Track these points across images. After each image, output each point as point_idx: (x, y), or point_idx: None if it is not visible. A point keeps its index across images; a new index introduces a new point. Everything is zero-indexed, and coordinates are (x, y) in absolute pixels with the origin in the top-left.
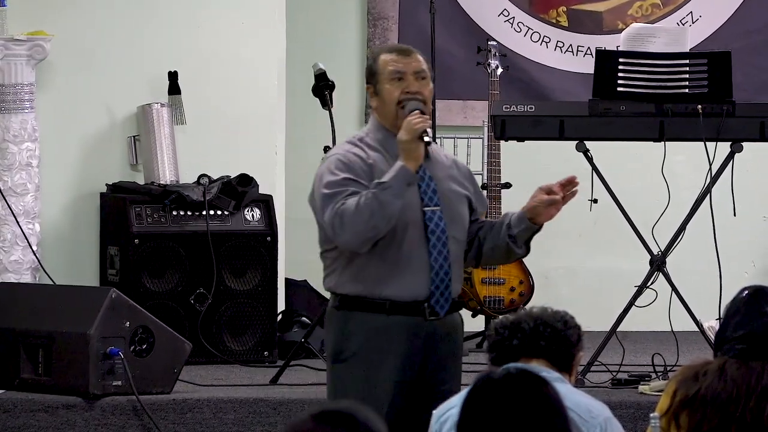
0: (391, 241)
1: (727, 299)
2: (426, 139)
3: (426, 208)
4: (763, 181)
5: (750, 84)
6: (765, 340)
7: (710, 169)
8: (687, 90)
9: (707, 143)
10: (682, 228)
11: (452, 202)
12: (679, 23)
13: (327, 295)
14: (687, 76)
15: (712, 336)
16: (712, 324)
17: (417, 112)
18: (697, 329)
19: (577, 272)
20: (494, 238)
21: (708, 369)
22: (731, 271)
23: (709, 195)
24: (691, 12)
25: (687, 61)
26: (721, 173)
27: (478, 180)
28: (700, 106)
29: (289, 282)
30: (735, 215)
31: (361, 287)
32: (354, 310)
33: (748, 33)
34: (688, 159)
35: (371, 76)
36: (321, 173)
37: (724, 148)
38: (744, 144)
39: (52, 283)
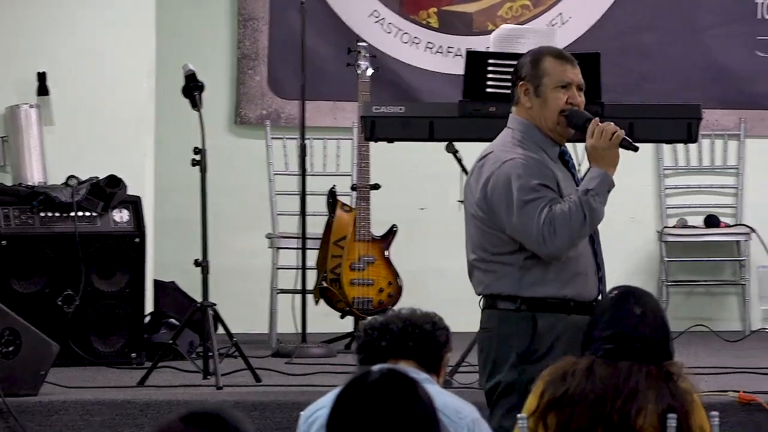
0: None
1: None
2: (630, 145)
3: None
4: (631, 182)
5: (619, 85)
6: (632, 341)
7: (579, 169)
8: None
9: (577, 144)
10: None
11: None
12: (549, 24)
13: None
14: None
15: None
16: None
17: (598, 119)
18: None
19: (445, 273)
20: None
21: (576, 369)
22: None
23: None
24: (560, 13)
25: None
26: None
27: (347, 181)
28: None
29: (157, 283)
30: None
31: (548, 289)
32: (542, 311)
33: (617, 35)
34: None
35: (532, 76)
36: (506, 177)
37: None
38: None
39: None
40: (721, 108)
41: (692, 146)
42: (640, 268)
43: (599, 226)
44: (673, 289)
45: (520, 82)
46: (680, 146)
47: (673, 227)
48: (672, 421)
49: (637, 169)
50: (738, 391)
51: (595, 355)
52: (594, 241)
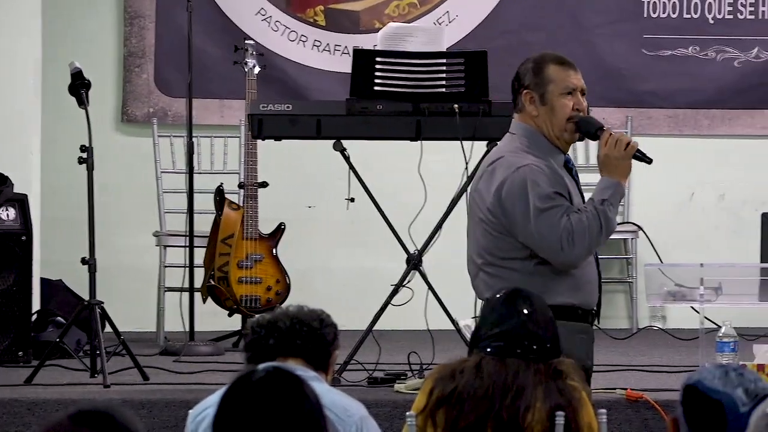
0: None
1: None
2: (644, 157)
3: None
4: None
5: (506, 84)
6: (521, 339)
7: (466, 168)
8: (444, 89)
9: (464, 142)
10: (438, 227)
11: None
12: (436, 23)
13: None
14: (444, 75)
15: (468, 335)
16: (467, 323)
17: (609, 129)
18: (453, 328)
19: (333, 271)
20: None
21: (465, 367)
22: None
23: (465, 194)
24: (447, 12)
25: (444, 61)
26: (477, 172)
27: (235, 179)
28: (456, 106)
29: (44, 282)
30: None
31: (558, 297)
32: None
33: (503, 33)
34: (444, 158)
35: (536, 83)
36: (522, 183)
37: (481, 147)
38: None
39: None
40: (608, 106)
41: (579, 144)
42: None
43: None
44: None
45: (524, 91)
46: None
47: None
48: (560, 418)
49: None
50: (625, 389)
51: (483, 353)
52: (597, 252)
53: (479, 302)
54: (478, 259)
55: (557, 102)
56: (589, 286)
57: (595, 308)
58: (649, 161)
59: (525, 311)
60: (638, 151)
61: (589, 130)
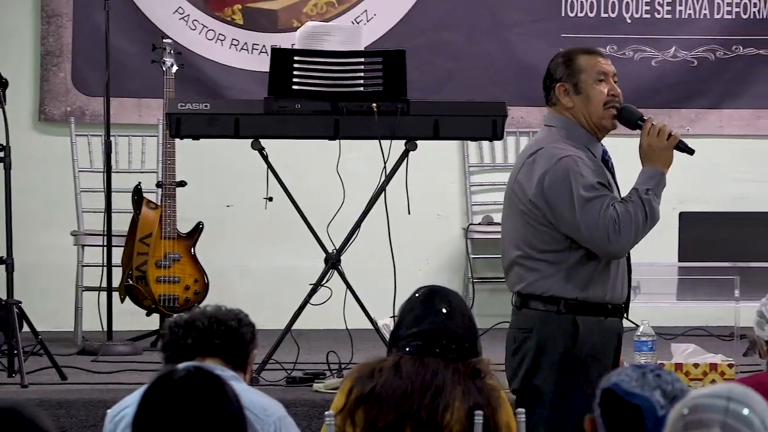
0: None
1: (401, 297)
2: (687, 148)
3: None
4: (437, 179)
5: (424, 82)
6: (440, 338)
7: (385, 167)
8: (362, 88)
9: (382, 141)
10: (356, 226)
11: None
12: (354, 21)
13: None
14: (362, 74)
15: (386, 334)
16: (386, 322)
17: (651, 118)
18: (371, 327)
19: (252, 270)
20: None
21: (383, 366)
22: (405, 269)
23: (383, 193)
24: (366, 10)
25: (362, 60)
26: (396, 171)
27: (153, 178)
28: (375, 105)
29: None
30: (409, 213)
31: (592, 292)
32: (583, 314)
33: (422, 32)
34: (363, 157)
35: (568, 75)
36: (565, 174)
37: (399, 146)
38: (418, 142)
39: None
40: (526, 105)
41: (497, 143)
42: (446, 265)
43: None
44: (479, 286)
45: (557, 84)
46: (485, 143)
47: (479, 224)
48: (479, 417)
49: (442, 166)
50: None
51: (402, 351)
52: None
53: (398, 301)
54: (515, 251)
55: (592, 90)
56: (620, 281)
57: (624, 303)
58: (691, 152)
59: (444, 310)
60: (681, 141)
61: (630, 119)
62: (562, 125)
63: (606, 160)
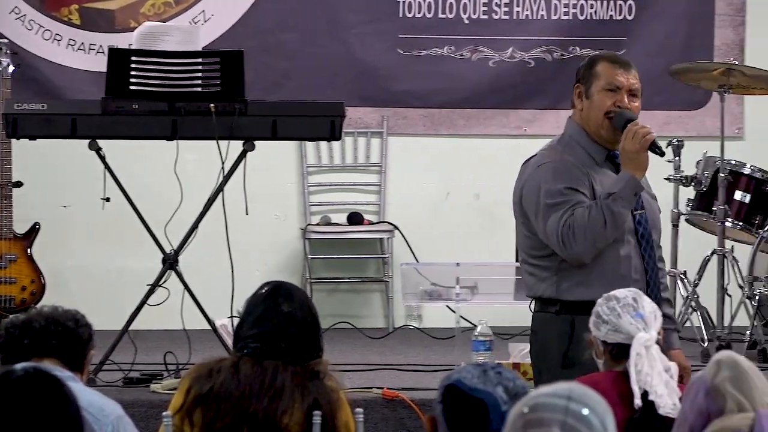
0: (612, 247)
1: (239, 298)
2: (657, 149)
3: (635, 212)
4: (275, 179)
5: (262, 83)
6: (279, 340)
7: (223, 167)
8: (200, 89)
9: (220, 142)
10: (194, 226)
11: (651, 205)
12: (192, 22)
13: None
14: (200, 74)
15: (224, 334)
16: (224, 322)
17: (637, 122)
18: (209, 328)
19: (89, 271)
20: None
21: (222, 366)
22: (243, 269)
23: (221, 193)
24: (203, 11)
25: (200, 60)
26: (234, 172)
27: None
28: (212, 105)
29: None
30: (247, 214)
31: (589, 292)
32: (582, 314)
33: (259, 32)
34: (200, 157)
35: (585, 78)
36: (537, 181)
37: (237, 146)
38: (256, 142)
39: None
40: (364, 106)
41: (335, 144)
42: (284, 265)
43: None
44: (317, 286)
45: (576, 85)
46: (324, 144)
47: (317, 225)
48: (317, 418)
49: (280, 166)
50: (382, 388)
51: (241, 353)
52: (643, 244)
53: (236, 302)
54: (520, 256)
55: (597, 96)
56: (625, 281)
57: None
58: (660, 154)
59: (285, 310)
60: (652, 143)
61: (620, 124)
62: (568, 131)
63: (617, 163)
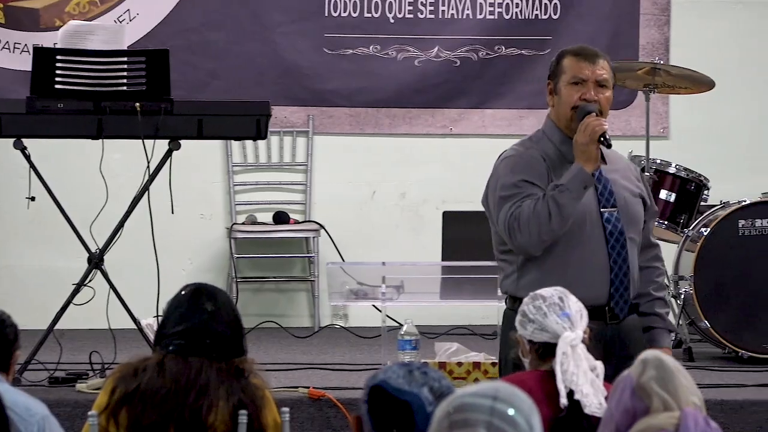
0: (572, 244)
1: (164, 297)
2: (605, 141)
3: (603, 210)
4: (200, 178)
5: (187, 82)
6: (204, 337)
7: (148, 166)
8: (125, 88)
9: (146, 141)
10: (120, 225)
11: (629, 204)
12: (117, 21)
13: None
14: (125, 73)
15: (150, 334)
16: (149, 322)
17: (594, 114)
18: (135, 327)
19: (14, 270)
20: None
21: (147, 365)
22: (169, 268)
23: (147, 192)
24: (128, 10)
25: (125, 59)
26: (159, 171)
27: None
28: (138, 104)
29: None
30: (173, 213)
31: None
32: None
33: (184, 32)
34: (126, 157)
35: (554, 74)
36: (496, 175)
37: (163, 145)
38: (182, 141)
39: None
40: (290, 105)
41: (261, 143)
42: (210, 265)
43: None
44: (243, 285)
45: (547, 81)
46: (249, 143)
47: (243, 224)
48: (243, 417)
49: (206, 165)
50: (308, 387)
51: (166, 351)
52: (611, 242)
53: (162, 301)
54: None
55: (564, 91)
56: (587, 280)
57: (608, 303)
58: (607, 146)
59: (209, 309)
60: (601, 135)
61: (580, 117)
62: (544, 125)
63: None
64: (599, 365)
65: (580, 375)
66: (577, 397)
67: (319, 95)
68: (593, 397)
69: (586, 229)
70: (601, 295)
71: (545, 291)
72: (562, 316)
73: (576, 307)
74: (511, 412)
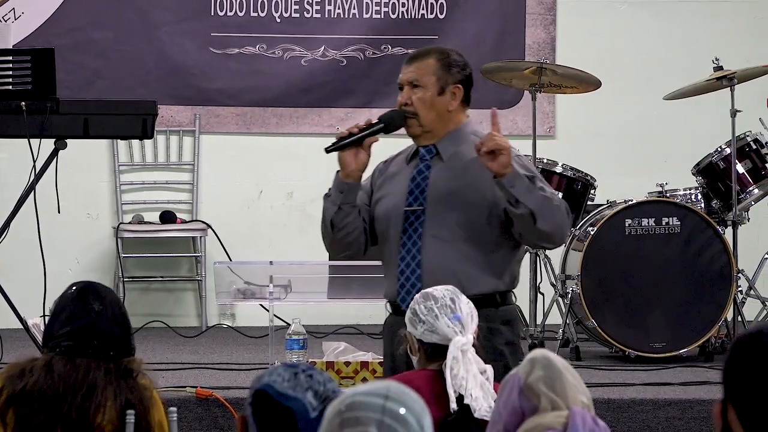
0: (382, 243)
1: (51, 296)
2: (334, 147)
3: (406, 209)
4: (87, 178)
5: (73, 81)
6: (91, 337)
7: (34, 166)
8: (10, 87)
9: (31, 140)
10: (6, 225)
11: (446, 202)
12: (2, 20)
13: None
14: (10, 72)
15: (36, 333)
16: (36, 321)
17: (370, 119)
18: (21, 327)
19: None
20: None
21: (34, 366)
22: (56, 268)
23: (33, 192)
24: (13, 8)
25: (10, 58)
26: (45, 170)
27: None
28: (23, 103)
29: None
30: (59, 212)
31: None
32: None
33: (70, 30)
34: (11, 156)
35: None
36: None
37: (49, 144)
38: (68, 141)
39: None
40: (177, 104)
41: (148, 142)
42: (96, 264)
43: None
44: (130, 285)
45: None
46: (136, 142)
47: (129, 223)
48: (131, 417)
49: (92, 165)
50: (195, 387)
51: (53, 351)
52: (403, 239)
53: (48, 300)
54: None
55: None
56: (388, 280)
57: (394, 299)
58: (326, 150)
59: (96, 308)
60: (333, 143)
61: (395, 123)
62: None
63: (423, 159)
64: (489, 368)
65: (470, 379)
66: (466, 401)
67: (205, 94)
68: (483, 400)
69: (391, 228)
70: (392, 291)
71: (437, 291)
72: (453, 319)
73: (467, 309)
74: (402, 411)
